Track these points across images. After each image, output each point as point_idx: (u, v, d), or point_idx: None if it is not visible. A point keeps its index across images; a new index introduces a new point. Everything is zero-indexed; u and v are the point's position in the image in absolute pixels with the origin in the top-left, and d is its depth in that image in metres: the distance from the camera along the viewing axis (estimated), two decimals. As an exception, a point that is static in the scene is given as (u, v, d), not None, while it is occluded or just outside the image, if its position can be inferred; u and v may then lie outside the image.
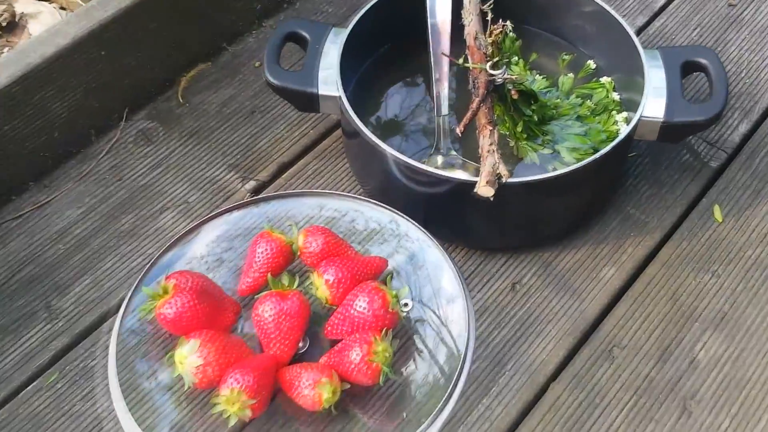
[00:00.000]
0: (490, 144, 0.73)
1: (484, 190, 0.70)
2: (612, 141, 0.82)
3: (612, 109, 0.86)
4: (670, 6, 1.03)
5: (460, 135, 0.74)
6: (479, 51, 0.80)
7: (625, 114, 0.85)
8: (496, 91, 0.79)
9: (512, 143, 0.84)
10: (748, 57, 0.97)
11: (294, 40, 0.85)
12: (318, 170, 0.88)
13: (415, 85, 0.91)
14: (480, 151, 0.74)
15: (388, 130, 0.87)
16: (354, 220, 0.73)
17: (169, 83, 0.94)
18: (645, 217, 0.85)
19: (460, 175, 0.81)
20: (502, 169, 0.71)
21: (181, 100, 0.93)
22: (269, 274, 0.70)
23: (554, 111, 0.86)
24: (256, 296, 0.70)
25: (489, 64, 0.77)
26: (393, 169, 0.77)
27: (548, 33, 0.93)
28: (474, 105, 0.76)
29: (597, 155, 0.74)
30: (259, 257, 0.72)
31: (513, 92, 0.78)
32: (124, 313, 0.70)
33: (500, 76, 0.77)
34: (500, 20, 0.76)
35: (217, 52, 0.98)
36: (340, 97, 0.79)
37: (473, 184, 0.71)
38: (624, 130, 0.83)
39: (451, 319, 0.69)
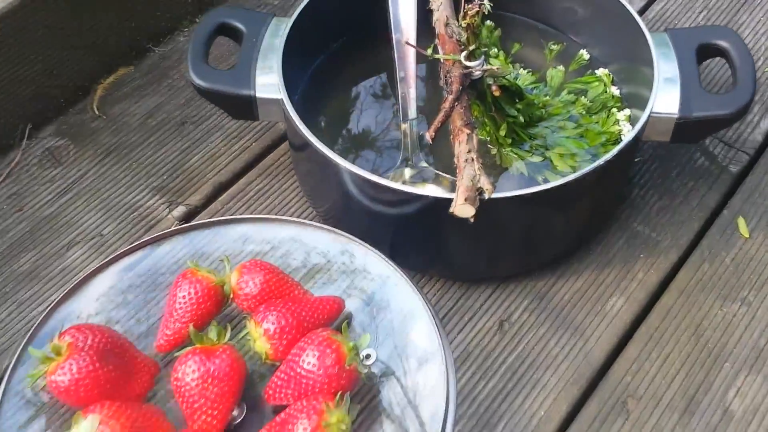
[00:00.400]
0: (468, 151, 0.58)
1: (463, 208, 0.56)
2: (613, 144, 0.69)
3: (611, 106, 0.72)
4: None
5: (430, 141, 0.60)
6: (451, 39, 0.65)
7: (627, 111, 0.71)
8: (474, 88, 0.65)
9: (494, 150, 0.69)
10: (765, 42, 0.83)
11: (226, 33, 0.70)
12: (262, 191, 0.73)
13: (378, 85, 0.77)
14: (456, 160, 0.59)
15: (345, 140, 0.72)
16: (288, 255, 0.57)
17: (82, 92, 0.80)
18: (656, 235, 0.70)
19: (432, 190, 0.67)
20: (484, 182, 0.56)
21: (96, 112, 0.78)
22: (191, 325, 0.55)
23: (543, 110, 0.72)
24: (176, 353, 0.55)
25: (464, 54, 0.63)
26: (350, 187, 0.62)
27: (532, 19, 0.79)
28: (446, 104, 0.61)
29: (598, 162, 0.60)
30: (181, 303, 0.57)
31: (494, 88, 0.64)
32: (8, 379, 0.55)
33: (478, 68, 0.63)
34: (475, 0, 0.62)
35: (141, 54, 0.83)
36: (282, 100, 0.64)
37: (449, 201, 0.56)
38: (629, 130, 0.70)
39: (425, 375, 0.54)
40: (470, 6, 0.62)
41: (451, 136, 0.61)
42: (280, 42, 0.67)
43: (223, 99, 0.66)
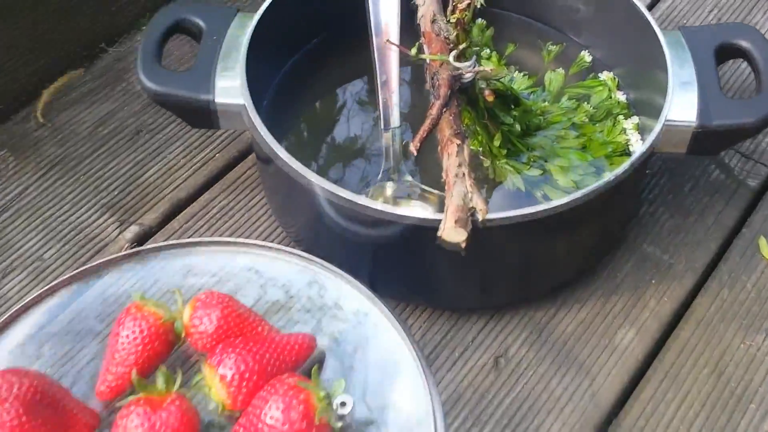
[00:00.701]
0: (458, 165, 0.50)
1: (452, 233, 0.48)
2: (619, 155, 0.62)
3: (617, 114, 0.65)
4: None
5: (415, 153, 0.52)
6: (439, 38, 0.58)
7: (635, 119, 0.64)
8: (464, 93, 0.57)
9: (487, 163, 0.62)
10: (781, 43, 0.76)
11: (184, 31, 0.62)
12: (226, 208, 0.65)
13: (357, 90, 0.69)
14: (444, 175, 0.51)
15: (319, 152, 0.64)
16: (237, 290, 0.49)
17: (25, 97, 0.71)
18: (669, 258, 0.63)
19: (417, 210, 0.59)
20: (477, 202, 0.48)
21: (41, 120, 0.70)
22: (135, 371, 0.47)
23: (541, 118, 0.64)
24: (119, 403, 0.47)
25: (453, 54, 0.55)
26: (323, 206, 0.54)
27: (528, 18, 0.71)
28: (434, 111, 0.53)
29: (609, 177, 0.52)
30: (124, 343, 0.49)
31: (487, 93, 0.56)
32: None
33: (469, 69, 0.55)
34: (466, -8, 0.54)
35: (93, 55, 0.75)
36: (245, 106, 0.56)
37: (436, 223, 0.48)
38: (637, 140, 0.62)
39: (409, 427, 0.46)
40: (459, 1, 0.54)
41: (439, 147, 0.53)
42: (244, 40, 0.59)
43: (179, 105, 0.58)
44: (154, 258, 0.51)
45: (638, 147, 0.62)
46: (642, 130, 0.63)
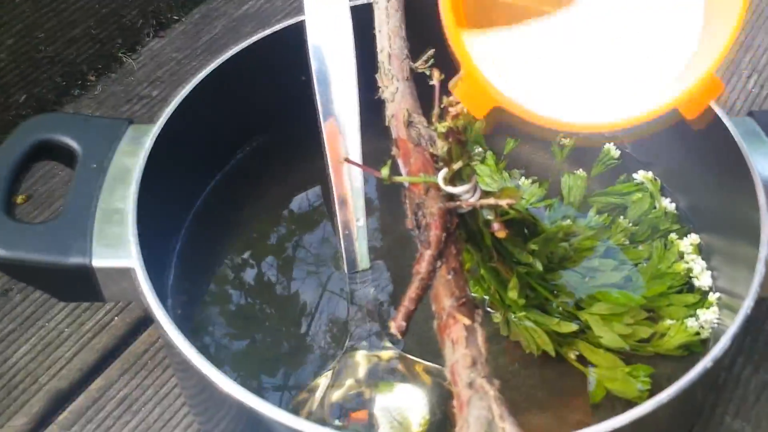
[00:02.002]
0: (472, 364, 0.31)
1: (473, 484, 0.29)
2: (678, 291, 0.44)
3: (666, 229, 0.47)
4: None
5: (400, 336, 0.33)
6: (419, 148, 0.40)
7: (694, 238, 0.46)
8: (463, 226, 0.39)
9: (498, 315, 0.43)
10: None
11: (51, 156, 0.43)
12: (129, 400, 0.45)
13: (304, 219, 0.50)
14: (448, 374, 0.32)
15: (253, 323, 0.45)
16: None
17: None
18: (763, 434, 0.44)
19: (401, 412, 0.40)
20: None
21: None
22: None
23: (566, 245, 0.46)
24: None
25: (442, 173, 0.37)
26: (250, 422, 0.35)
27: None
28: (422, 267, 0.35)
29: (697, 373, 0.34)
30: None
31: (497, 228, 0.38)
32: None
33: (468, 197, 0.37)
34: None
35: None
36: (133, 270, 0.37)
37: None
38: (703, 269, 0.45)
39: None
40: (451, 99, 0.36)
41: (436, 323, 0.35)
42: (137, 166, 0.41)
43: (36, 274, 0.39)
44: None
45: (705, 278, 0.45)
46: (707, 251, 0.45)
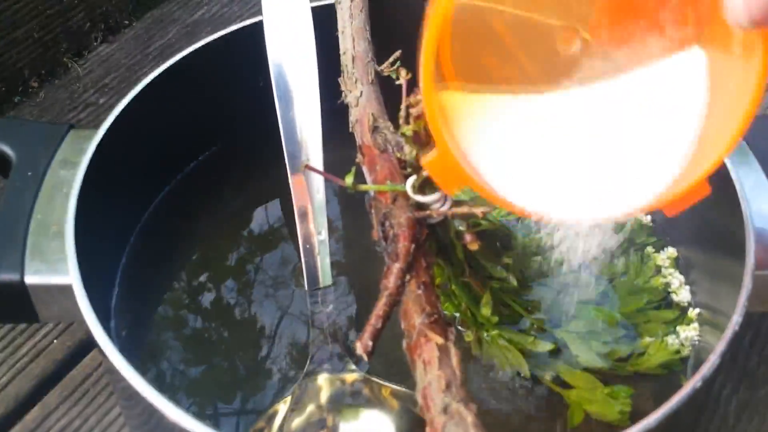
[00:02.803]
0: (446, 387, 0.29)
1: None
2: (656, 307, 0.42)
3: (642, 243, 0.45)
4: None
5: (366, 357, 0.30)
6: (385, 155, 0.37)
7: (671, 251, 0.44)
8: (433, 238, 0.36)
9: (470, 334, 0.41)
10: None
11: (-17, 165, 0.39)
12: (69, 429, 0.42)
13: (267, 236, 0.47)
14: (419, 398, 0.30)
15: (213, 346, 0.42)
16: None
17: None
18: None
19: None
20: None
21: None
22: None
23: (539, 259, 0.43)
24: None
25: (411, 181, 0.34)
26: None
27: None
28: (390, 282, 0.32)
29: (681, 397, 0.32)
30: None
31: (469, 239, 0.35)
32: None
33: (439, 206, 0.34)
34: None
35: None
36: (71, 288, 0.34)
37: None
38: (681, 284, 0.43)
39: None
40: (415, 98, 0.33)
41: (405, 343, 0.32)
42: (77, 175, 0.37)
43: (-37, 291, 0.35)
44: None
45: (683, 293, 0.43)
46: (684, 265, 0.43)
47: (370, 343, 0.31)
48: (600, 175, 0.30)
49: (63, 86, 0.58)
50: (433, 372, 0.29)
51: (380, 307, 0.32)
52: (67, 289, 0.34)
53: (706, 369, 0.32)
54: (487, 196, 0.30)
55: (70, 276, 0.34)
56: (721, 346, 0.33)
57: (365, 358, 0.31)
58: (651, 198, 0.29)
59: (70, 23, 0.58)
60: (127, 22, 0.62)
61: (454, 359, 0.30)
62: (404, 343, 0.32)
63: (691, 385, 0.31)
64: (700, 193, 0.29)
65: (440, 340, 0.30)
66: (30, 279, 0.34)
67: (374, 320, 0.31)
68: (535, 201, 0.30)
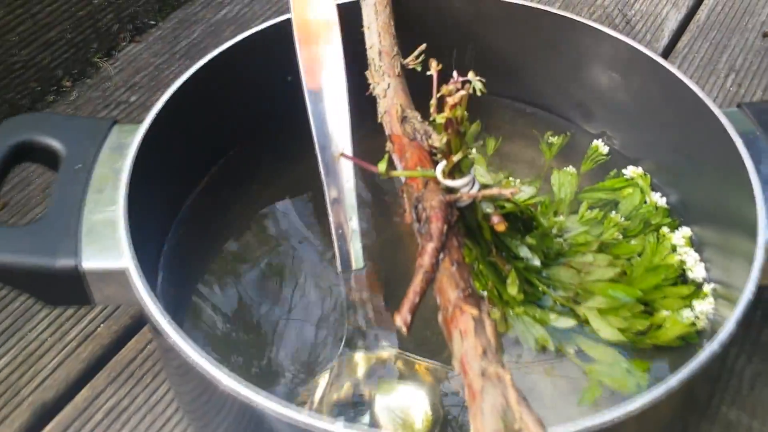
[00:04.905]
0: (482, 353, 0.31)
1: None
2: (673, 284, 0.44)
3: (658, 224, 0.47)
4: (681, 45, 0.66)
5: (405, 330, 0.33)
6: (414, 143, 0.39)
7: (686, 230, 0.46)
8: (461, 220, 0.39)
9: (496, 311, 0.43)
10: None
11: (33, 158, 0.42)
12: (117, 410, 0.44)
13: (298, 218, 0.49)
14: (457, 367, 0.32)
15: (248, 321, 0.44)
16: None
17: None
18: (761, 426, 0.44)
19: (403, 410, 0.39)
20: (527, 420, 0.29)
21: None
22: None
23: (561, 240, 0.46)
24: None
25: (440, 167, 0.37)
26: (252, 419, 0.34)
27: (516, 100, 0.54)
28: (425, 260, 0.34)
29: (699, 361, 0.34)
30: None
31: (496, 221, 0.38)
32: None
33: (468, 189, 0.37)
34: (456, 77, 0.36)
35: None
36: (129, 271, 0.36)
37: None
38: (696, 262, 0.45)
39: None
40: (449, 87, 0.35)
41: (440, 316, 0.34)
42: (125, 166, 0.40)
43: (24, 277, 0.37)
44: None
45: (698, 270, 0.45)
46: (699, 244, 0.46)
47: (409, 317, 0.33)
48: None
49: (95, 85, 0.60)
50: (469, 340, 0.31)
51: (417, 284, 0.34)
52: (121, 274, 0.36)
53: (722, 334, 0.34)
54: None
55: (124, 261, 0.36)
56: (737, 312, 0.35)
57: (404, 330, 0.33)
58: None
59: (100, 24, 0.61)
60: (153, 22, 0.65)
61: (489, 329, 0.32)
62: (440, 317, 0.34)
63: (709, 349, 0.34)
64: None
65: (475, 311, 0.32)
66: (86, 264, 0.37)
67: (412, 295, 0.33)
68: None
